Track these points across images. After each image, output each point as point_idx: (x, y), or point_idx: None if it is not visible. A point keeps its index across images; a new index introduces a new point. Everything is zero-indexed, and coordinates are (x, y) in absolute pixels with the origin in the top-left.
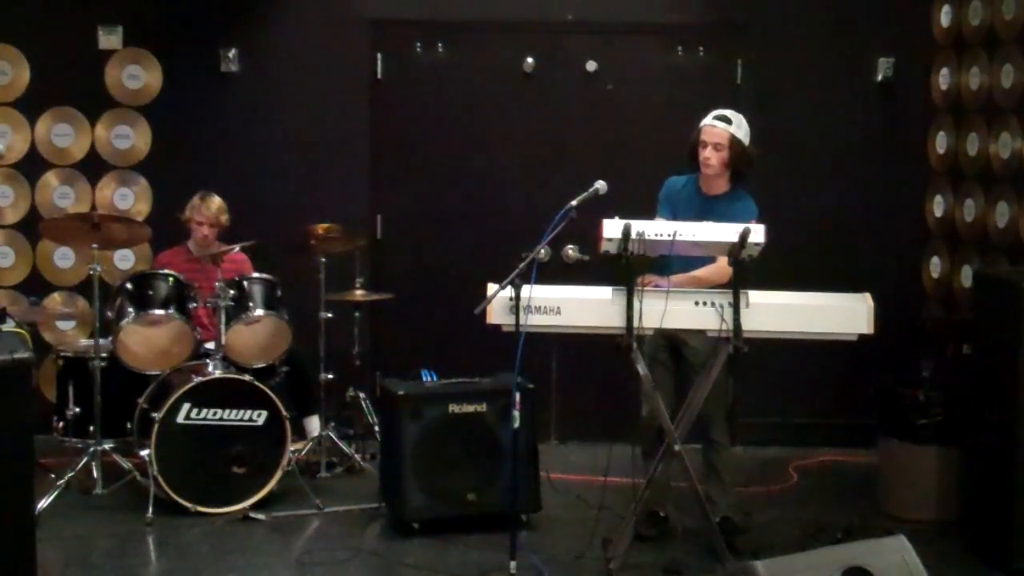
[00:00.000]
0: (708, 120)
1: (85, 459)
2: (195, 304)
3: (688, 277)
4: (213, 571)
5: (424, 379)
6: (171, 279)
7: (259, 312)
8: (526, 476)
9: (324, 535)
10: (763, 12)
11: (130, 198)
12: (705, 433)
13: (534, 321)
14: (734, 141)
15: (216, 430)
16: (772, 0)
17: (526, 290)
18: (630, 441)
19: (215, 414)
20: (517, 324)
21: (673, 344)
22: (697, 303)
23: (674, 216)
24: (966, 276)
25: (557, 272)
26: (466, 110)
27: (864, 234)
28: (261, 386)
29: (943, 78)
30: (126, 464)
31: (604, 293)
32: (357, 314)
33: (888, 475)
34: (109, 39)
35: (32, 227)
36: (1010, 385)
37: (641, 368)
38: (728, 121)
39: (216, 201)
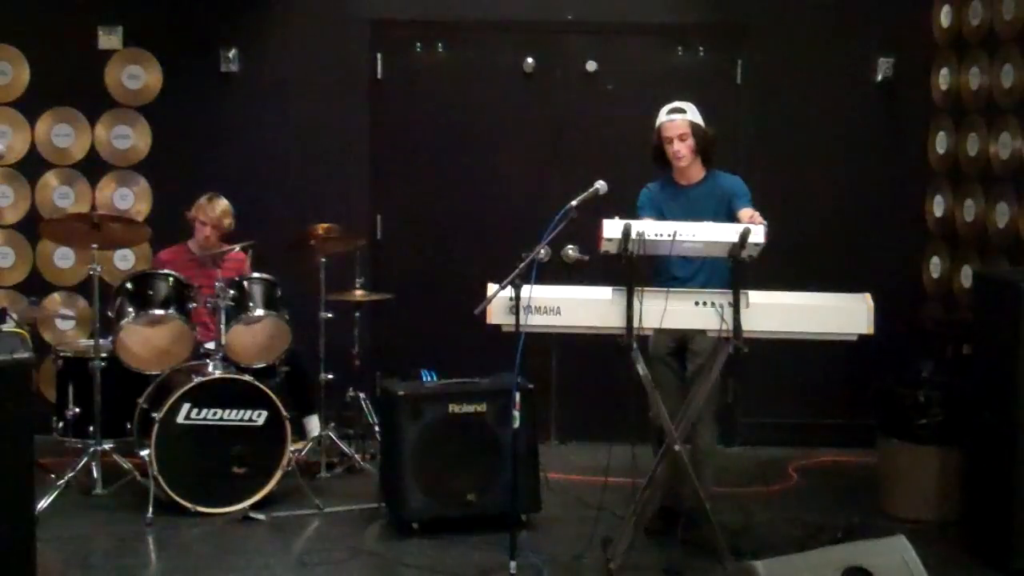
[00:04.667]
0: (664, 117)
1: (85, 459)
2: (195, 304)
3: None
4: (213, 571)
5: (424, 379)
6: (171, 279)
7: (259, 312)
8: (526, 476)
9: (324, 535)
10: (763, 12)
11: (130, 198)
12: (692, 430)
13: (534, 321)
14: (695, 127)
15: (216, 430)
16: (772, 0)
17: (526, 290)
18: (630, 441)
19: (215, 414)
20: (517, 324)
21: (680, 345)
22: (697, 303)
23: (662, 216)
24: (966, 276)
25: (557, 272)
26: (466, 110)
27: (864, 234)
28: (261, 386)
29: (943, 78)
30: (126, 464)
31: (604, 293)
32: (357, 314)
33: (888, 475)
34: (109, 39)
35: (32, 227)
36: (1010, 385)
37: (641, 368)
38: (683, 111)
39: (222, 204)
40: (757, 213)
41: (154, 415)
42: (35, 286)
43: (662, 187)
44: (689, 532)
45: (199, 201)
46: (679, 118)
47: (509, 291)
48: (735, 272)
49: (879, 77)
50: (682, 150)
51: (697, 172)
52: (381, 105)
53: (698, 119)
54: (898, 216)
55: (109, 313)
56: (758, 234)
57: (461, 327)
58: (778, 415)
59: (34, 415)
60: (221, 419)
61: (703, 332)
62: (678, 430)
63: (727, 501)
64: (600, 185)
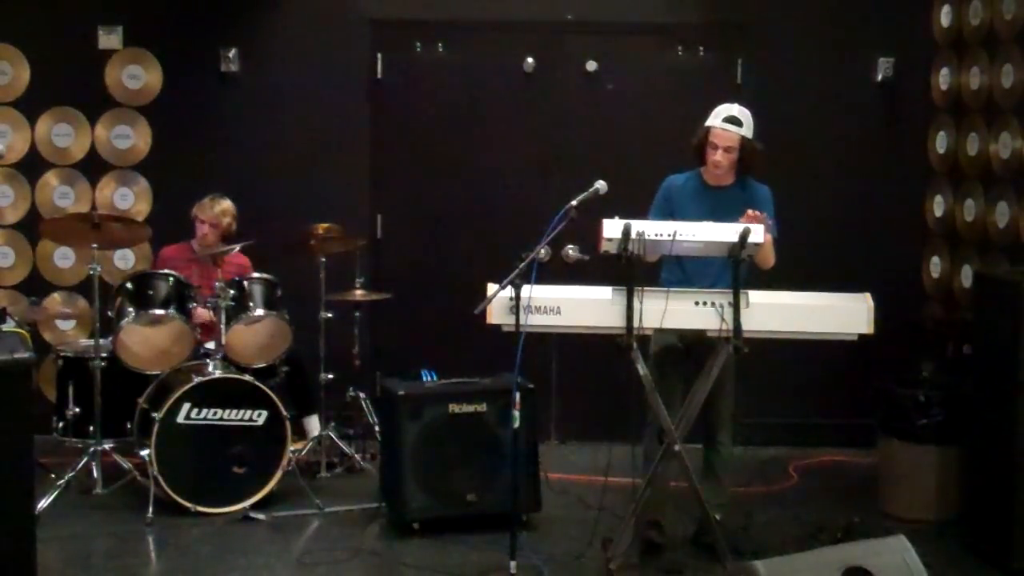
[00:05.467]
0: (718, 123)
1: (85, 459)
2: (195, 304)
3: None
4: (213, 571)
5: (424, 379)
6: (171, 279)
7: (259, 312)
8: (526, 476)
9: (324, 535)
10: (763, 12)
11: (130, 198)
12: (710, 433)
13: (534, 321)
14: (744, 143)
15: (216, 430)
16: (772, 0)
17: (526, 290)
18: (630, 441)
19: (215, 414)
20: (517, 324)
21: (688, 346)
22: (697, 303)
23: (675, 214)
24: (966, 276)
25: (557, 272)
26: (466, 110)
27: (864, 234)
28: (261, 386)
29: (943, 78)
30: (126, 464)
31: (604, 293)
32: (357, 314)
33: (888, 475)
34: (109, 39)
35: (32, 227)
36: (1010, 385)
37: (641, 368)
38: (739, 124)
39: (223, 204)
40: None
41: (154, 415)
42: (35, 286)
43: (686, 181)
44: (691, 534)
45: (201, 201)
46: (733, 130)
47: (509, 291)
48: (735, 272)
49: (879, 77)
50: (723, 162)
51: (729, 176)
52: (381, 105)
53: (751, 134)
54: (898, 216)
55: (109, 313)
56: (758, 234)
57: (461, 327)
58: (778, 415)
59: (34, 415)
60: (221, 419)
61: (705, 333)
62: (678, 430)
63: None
64: (600, 185)
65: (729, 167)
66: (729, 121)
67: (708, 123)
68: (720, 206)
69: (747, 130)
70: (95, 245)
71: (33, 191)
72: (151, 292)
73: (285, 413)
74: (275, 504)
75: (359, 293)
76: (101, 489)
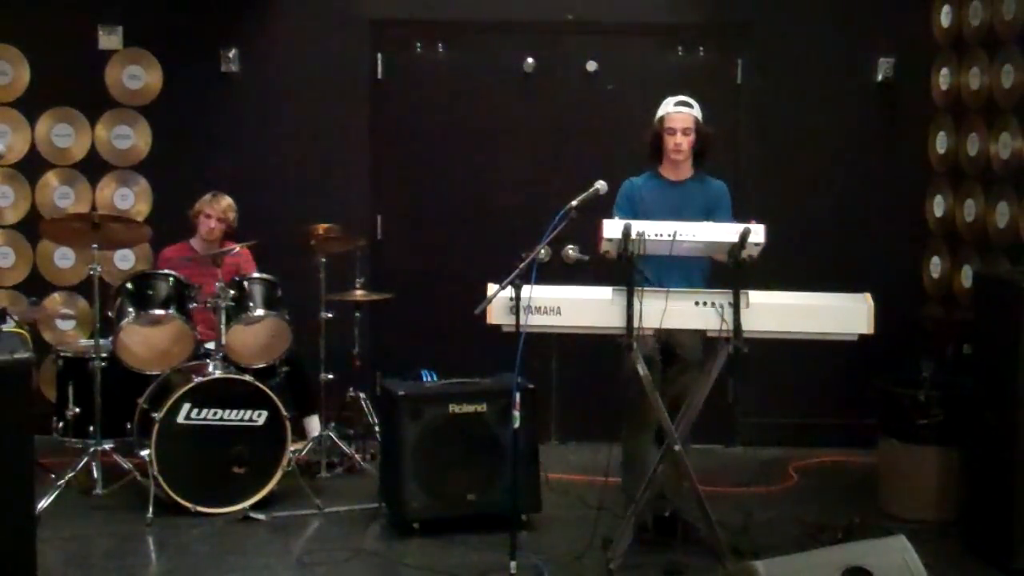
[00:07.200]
0: (670, 108)
1: (85, 459)
2: (195, 304)
3: None
4: (213, 571)
5: (424, 379)
6: (171, 279)
7: (259, 312)
8: (526, 476)
9: (324, 535)
10: (763, 12)
11: (130, 198)
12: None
13: (534, 321)
14: (699, 124)
15: (216, 430)
16: (772, 0)
17: (526, 290)
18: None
19: (215, 414)
20: (517, 324)
21: (665, 346)
22: (697, 303)
23: (639, 214)
24: (966, 276)
25: (557, 272)
26: (466, 110)
27: (864, 234)
28: (261, 386)
29: (943, 78)
30: (126, 464)
31: (604, 293)
32: (357, 314)
33: (888, 475)
34: (109, 39)
35: (32, 227)
36: (1010, 385)
37: (641, 368)
38: (690, 105)
39: (227, 199)
40: None
41: (154, 415)
42: (35, 286)
43: (646, 181)
44: (689, 532)
45: (203, 197)
46: (686, 111)
47: (509, 291)
48: (735, 272)
49: (879, 77)
50: (683, 144)
51: (687, 169)
52: (381, 105)
53: (702, 116)
54: (898, 216)
55: (109, 313)
56: (758, 234)
57: (461, 327)
58: (778, 415)
59: (34, 415)
60: (221, 419)
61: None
62: (678, 430)
63: (727, 501)
64: (600, 185)
65: (689, 151)
66: (681, 104)
67: (660, 113)
68: (682, 201)
69: (699, 113)
70: (95, 245)
71: (33, 191)
72: (151, 292)
73: (285, 413)
74: (275, 504)
75: (359, 293)
76: (101, 489)
